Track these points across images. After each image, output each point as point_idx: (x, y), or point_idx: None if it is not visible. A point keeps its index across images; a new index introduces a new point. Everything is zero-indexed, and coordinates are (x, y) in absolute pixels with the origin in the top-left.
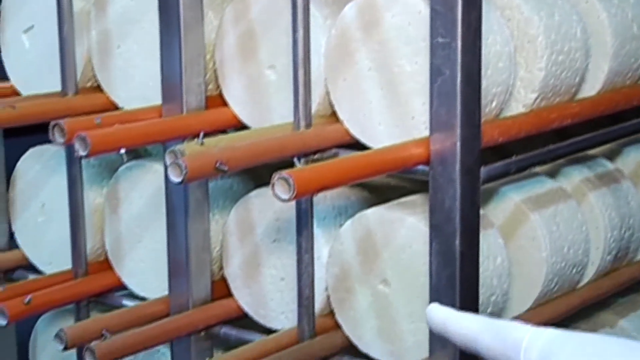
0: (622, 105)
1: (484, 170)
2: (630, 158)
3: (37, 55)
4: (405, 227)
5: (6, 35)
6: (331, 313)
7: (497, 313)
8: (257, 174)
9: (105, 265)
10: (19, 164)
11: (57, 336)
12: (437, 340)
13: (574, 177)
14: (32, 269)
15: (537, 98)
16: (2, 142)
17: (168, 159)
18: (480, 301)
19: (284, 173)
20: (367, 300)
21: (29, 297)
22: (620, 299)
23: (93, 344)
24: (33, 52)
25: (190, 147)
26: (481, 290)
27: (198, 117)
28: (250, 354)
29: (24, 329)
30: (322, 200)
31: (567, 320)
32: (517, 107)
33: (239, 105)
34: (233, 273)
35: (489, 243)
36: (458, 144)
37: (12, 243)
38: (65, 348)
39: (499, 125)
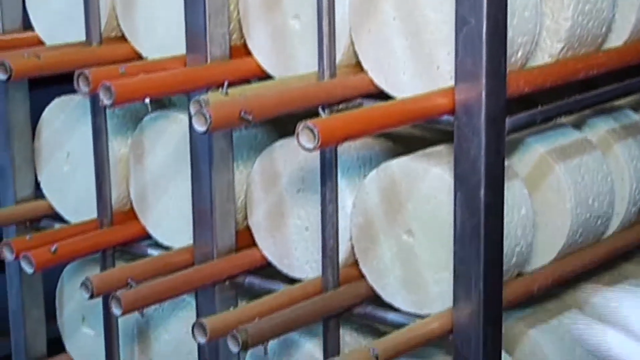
0: None
1: (509, 121)
2: None
3: (61, 4)
4: (430, 177)
5: None
6: (355, 263)
7: (521, 264)
8: (281, 125)
9: (130, 214)
10: (44, 114)
11: (84, 285)
12: (462, 290)
13: (600, 128)
14: (58, 218)
15: (563, 48)
16: (28, 92)
17: (192, 109)
18: (504, 252)
19: (309, 122)
20: (391, 251)
21: (55, 246)
22: None
23: (119, 292)
24: (57, 2)
25: (214, 97)
26: (505, 241)
27: (222, 67)
28: (275, 303)
29: (50, 277)
30: (347, 151)
31: (591, 271)
32: (543, 57)
33: (263, 55)
34: (257, 223)
35: (514, 194)
36: (483, 93)
37: (38, 193)
38: (92, 296)
39: (524, 75)
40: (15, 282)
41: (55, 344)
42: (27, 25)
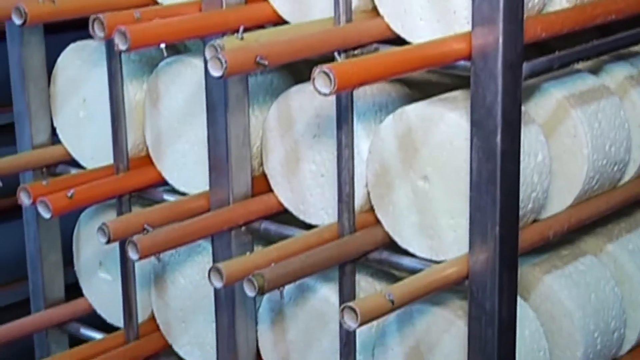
0: None
1: (526, 66)
2: None
3: None
4: (446, 123)
5: None
6: (371, 209)
7: (537, 210)
8: (297, 70)
9: (146, 160)
10: (59, 59)
11: (100, 230)
12: (477, 236)
13: (617, 74)
14: (74, 163)
15: None
16: (43, 37)
17: (208, 53)
18: (520, 198)
19: (325, 67)
20: (407, 196)
21: (71, 191)
22: None
23: (135, 237)
24: None
25: (230, 42)
26: (522, 187)
27: (237, 12)
28: (291, 248)
29: (67, 223)
30: (362, 96)
31: (607, 218)
32: (560, 3)
33: (279, 0)
34: (273, 169)
35: (530, 139)
36: (500, 39)
37: (54, 138)
38: (108, 241)
39: (542, 21)
40: (33, 227)
41: (73, 289)
42: None
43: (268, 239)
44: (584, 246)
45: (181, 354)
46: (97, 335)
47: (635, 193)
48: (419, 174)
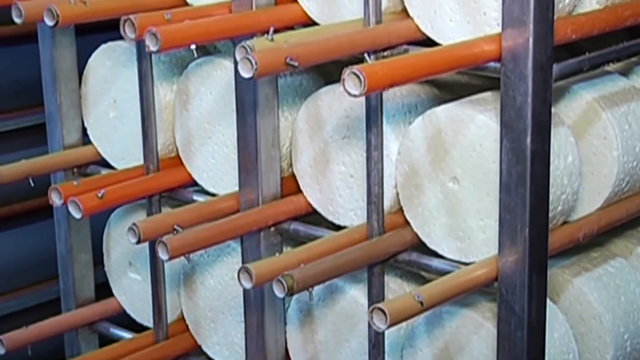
0: None
1: (556, 68)
2: None
3: None
4: (476, 124)
5: None
6: (400, 210)
7: (567, 212)
8: (327, 71)
9: (176, 161)
10: (90, 60)
11: (131, 230)
12: (507, 238)
13: None
14: (105, 164)
15: None
16: (74, 38)
17: (238, 54)
18: (550, 199)
19: (355, 68)
20: (436, 198)
21: (102, 191)
22: None
23: (165, 238)
24: None
25: (260, 43)
26: (551, 189)
27: (268, 13)
28: (320, 249)
29: (97, 223)
30: (392, 97)
31: (637, 220)
32: (590, 4)
33: (308, 1)
34: (302, 170)
35: (560, 141)
36: (530, 40)
37: (85, 139)
38: (139, 241)
39: (572, 22)
40: (64, 227)
41: (103, 288)
42: None
43: (297, 240)
44: (613, 248)
45: (210, 354)
46: (127, 335)
47: None
48: (449, 176)
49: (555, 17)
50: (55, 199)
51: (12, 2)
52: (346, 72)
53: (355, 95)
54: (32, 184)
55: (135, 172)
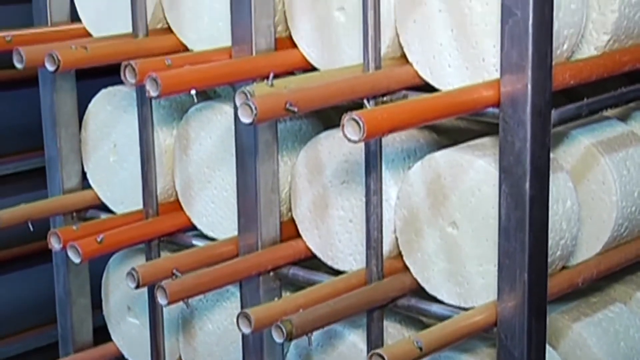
0: None
1: (554, 113)
2: None
3: None
4: (475, 169)
5: None
6: (399, 255)
7: (566, 257)
8: (326, 116)
9: (175, 205)
10: (91, 105)
11: (130, 274)
12: (506, 283)
13: None
14: (105, 208)
15: (609, 40)
16: (75, 83)
17: (238, 100)
18: (549, 245)
19: (355, 114)
20: (435, 243)
21: (101, 236)
22: None
23: (164, 282)
24: None
25: (260, 88)
26: (550, 234)
27: (267, 59)
28: (319, 294)
29: (96, 267)
30: (391, 142)
31: (636, 265)
32: (588, 50)
33: (308, 47)
34: (302, 214)
35: (559, 186)
36: (529, 86)
37: (84, 183)
38: (137, 286)
39: (570, 68)
40: (62, 271)
41: (101, 333)
42: (74, 17)
43: (296, 285)
44: (613, 293)
45: None
46: None
47: None
48: (448, 220)
49: (553, 63)
50: (55, 244)
51: (14, 47)
52: (345, 118)
53: (354, 141)
54: (32, 228)
55: (135, 216)
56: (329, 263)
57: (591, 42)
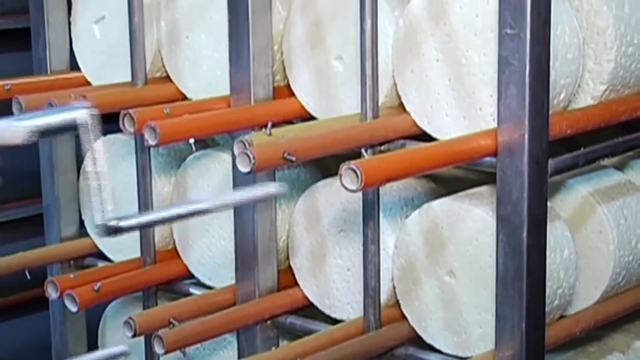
0: None
1: (552, 163)
2: None
3: (107, 45)
4: (472, 218)
5: (78, 26)
6: (397, 304)
7: (564, 306)
8: (324, 164)
9: (173, 253)
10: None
11: (127, 323)
12: (503, 332)
13: None
14: (102, 256)
15: (605, 90)
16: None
17: (236, 149)
18: (547, 294)
19: (352, 164)
20: (433, 292)
21: (98, 284)
22: None
23: (161, 331)
24: (104, 43)
25: (258, 137)
26: (548, 283)
27: (266, 108)
28: (317, 343)
29: (93, 315)
30: (389, 191)
31: (634, 314)
32: (585, 99)
33: (306, 96)
34: (299, 263)
35: (556, 235)
36: (526, 135)
37: (82, 231)
38: (134, 335)
39: (567, 117)
40: (59, 320)
41: None
42: (74, 65)
43: (294, 334)
44: (611, 343)
45: None
46: None
47: None
48: (445, 269)
49: (550, 112)
50: (52, 292)
51: (13, 95)
52: (343, 168)
53: (352, 191)
54: (29, 276)
55: (132, 264)
56: (327, 312)
57: (588, 91)
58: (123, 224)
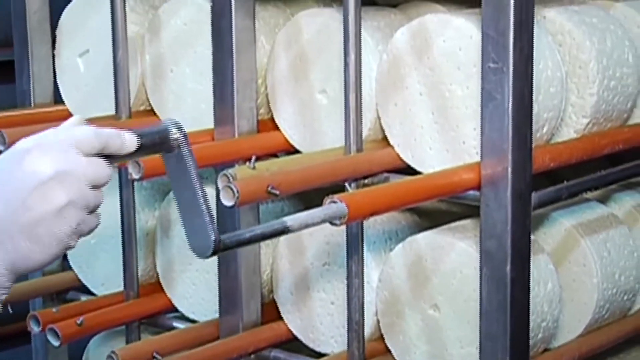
0: None
1: (535, 196)
2: None
3: (91, 78)
4: (456, 252)
5: (62, 59)
6: (381, 337)
7: (548, 339)
8: (308, 197)
9: (156, 287)
10: None
11: (109, 357)
12: None
13: (626, 202)
14: (85, 290)
15: (588, 123)
16: None
17: (220, 183)
18: (530, 327)
19: (336, 197)
20: (417, 325)
21: (81, 318)
22: None
23: None
24: (88, 76)
25: (242, 171)
26: (532, 317)
27: (250, 141)
28: None
29: (76, 349)
30: (373, 224)
31: (618, 347)
32: (568, 133)
33: (290, 129)
34: (283, 296)
35: (540, 269)
36: (509, 169)
37: (65, 264)
38: None
39: (550, 151)
40: (41, 354)
41: None
42: (57, 99)
43: None
44: None
45: None
46: None
47: None
48: (429, 303)
49: (533, 145)
50: (34, 327)
51: None
52: (327, 202)
53: (336, 225)
54: (11, 310)
55: (115, 298)
56: (311, 345)
57: (571, 125)
58: (228, 241)
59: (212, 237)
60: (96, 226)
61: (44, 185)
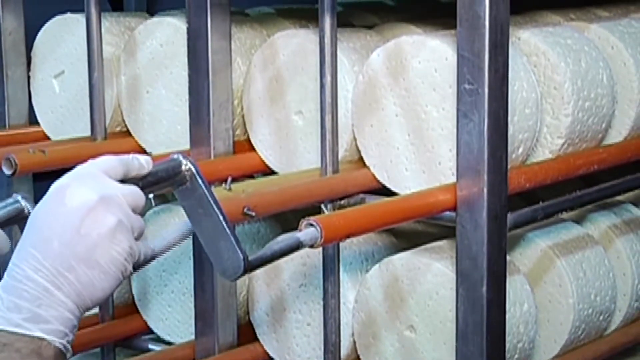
0: None
1: (510, 217)
2: None
3: (67, 100)
4: (432, 272)
5: (37, 80)
6: (357, 359)
7: None
8: (284, 219)
9: (131, 309)
10: None
11: None
12: None
13: (601, 223)
14: None
15: (563, 144)
16: (32, 186)
17: None
18: (507, 348)
19: (312, 219)
20: (393, 346)
21: None
22: None
23: None
24: (63, 97)
25: (218, 192)
26: (508, 337)
27: (226, 162)
28: None
29: None
30: (349, 245)
31: None
32: (543, 153)
33: (266, 150)
34: (259, 318)
35: (516, 289)
36: (485, 190)
37: None
38: None
39: (525, 172)
40: None
41: None
42: (32, 120)
43: None
44: None
45: None
46: None
47: (621, 342)
48: (405, 324)
49: (509, 166)
50: None
51: None
52: (303, 223)
53: (312, 247)
54: None
55: (90, 320)
56: None
57: (546, 145)
58: (254, 260)
59: (241, 257)
60: (151, 257)
61: (93, 211)
